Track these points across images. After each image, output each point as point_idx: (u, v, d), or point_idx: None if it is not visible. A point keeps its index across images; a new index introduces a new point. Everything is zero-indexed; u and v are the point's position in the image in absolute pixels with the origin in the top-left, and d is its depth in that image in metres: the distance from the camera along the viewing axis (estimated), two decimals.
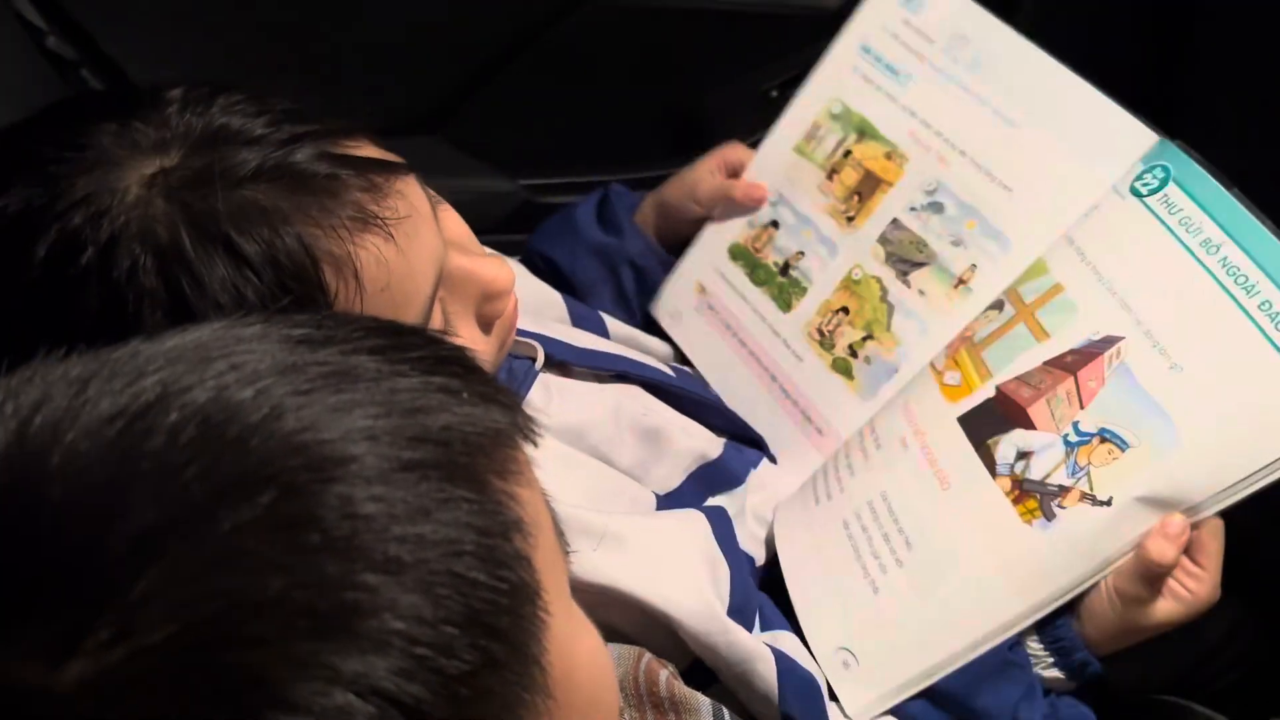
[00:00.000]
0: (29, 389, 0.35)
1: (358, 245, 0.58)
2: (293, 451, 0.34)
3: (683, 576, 0.73)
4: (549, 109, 0.97)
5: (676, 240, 1.02)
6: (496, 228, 1.05)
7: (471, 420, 0.38)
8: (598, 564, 0.70)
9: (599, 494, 0.77)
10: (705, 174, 0.99)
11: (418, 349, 0.40)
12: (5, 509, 0.33)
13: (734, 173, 0.99)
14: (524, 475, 0.40)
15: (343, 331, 0.40)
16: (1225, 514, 0.68)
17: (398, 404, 0.37)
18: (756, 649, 0.72)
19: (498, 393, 0.40)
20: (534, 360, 0.82)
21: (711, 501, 0.85)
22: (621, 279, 1.01)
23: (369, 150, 0.62)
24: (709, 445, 0.87)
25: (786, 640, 0.77)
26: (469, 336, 0.67)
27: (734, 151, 0.99)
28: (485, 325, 0.71)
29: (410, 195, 0.62)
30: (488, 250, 0.74)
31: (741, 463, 0.89)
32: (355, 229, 0.58)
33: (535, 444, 0.42)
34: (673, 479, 0.84)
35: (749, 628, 0.74)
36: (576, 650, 0.42)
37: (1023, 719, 0.73)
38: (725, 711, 0.67)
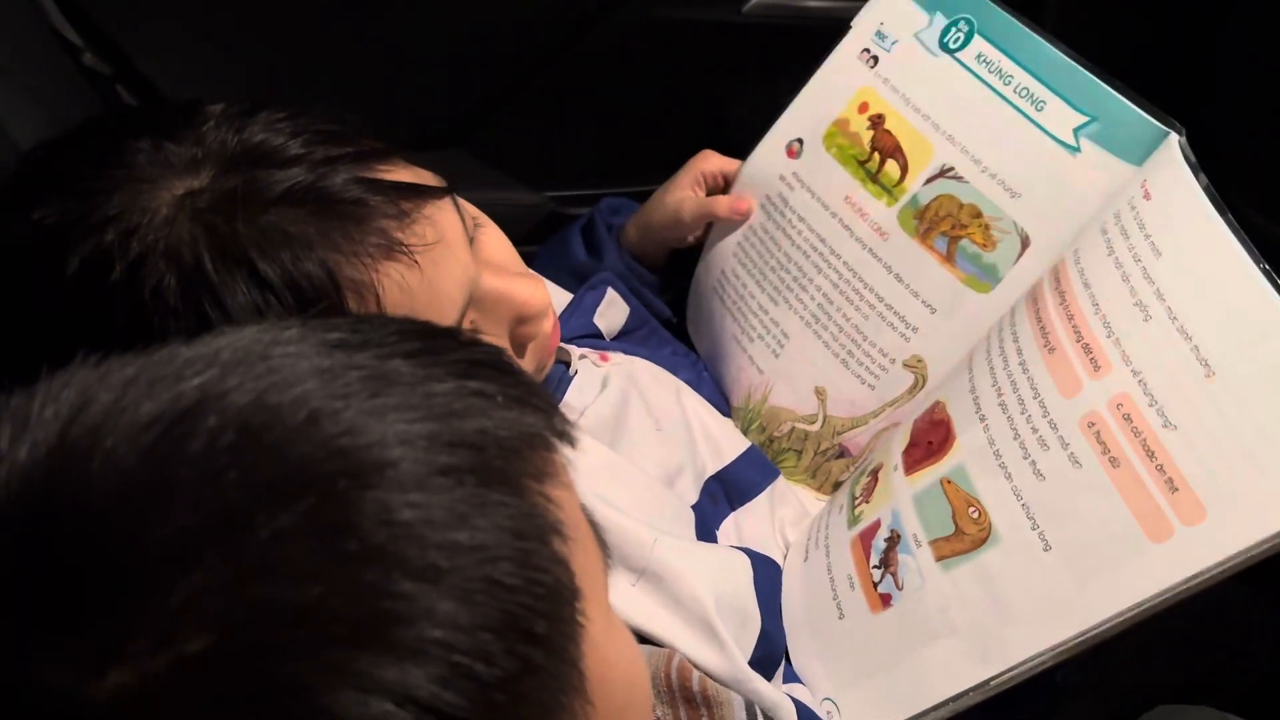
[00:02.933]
0: (69, 393, 0.35)
1: (381, 273, 0.58)
2: (330, 456, 0.34)
3: (707, 634, 0.71)
4: (575, 121, 0.98)
5: (664, 257, 1.02)
6: (523, 240, 1.05)
7: (507, 424, 0.38)
8: (631, 601, 0.70)
9: (644, 503, 0.77)
10: (687, 193, 0.98)
11: (453, 351, 0.40)
12: (46, 513, 0.32)
13: (715, 184, 0.98)
14: (560, 478, 0.40)
15: (378, 335, 0.39)
16: None
17: (434, 408, 0.37)
18: (778, 699, 0.71)
19: (533, 395, 0.40)
20: (568, 365, 0.83)
21: (733, 516, 0.84)
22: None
23: (403, 173, 0.62)
24: (727, 444, 0.87)
25: (801, 690, 0.77)
26: None
27: (708, 162, 0.98)
28: (520, 347, 0.71)
29: (440, 220, 0.62)
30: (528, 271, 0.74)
31: (760, 472, 0.88)
32: (379, 256, 0.58)
33: (573, 445, 0.41)
34: (691, 493, 0.84)
35: (769, 677, 0.74)
36: (612, 653, 0.41)
37: None
38: (758, 710, 0.66)
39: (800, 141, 0.91)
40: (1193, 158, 0.72)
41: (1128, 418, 0.66)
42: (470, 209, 0.70)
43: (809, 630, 0.79)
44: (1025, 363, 0.72)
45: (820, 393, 0.91)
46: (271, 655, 0.31)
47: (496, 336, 0.69)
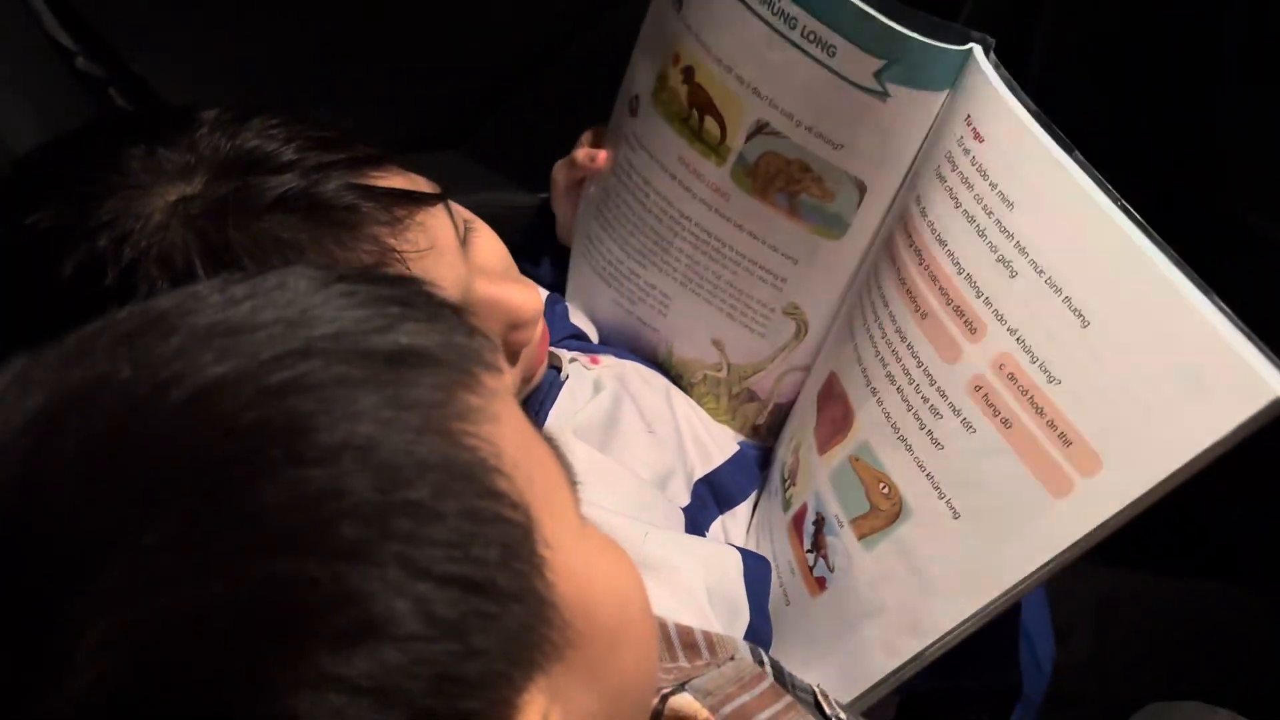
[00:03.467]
0: None
1: None
2: (219, 439, 0.33)
3: (701, 622, 0.70)
4: (569, 123, 0.97)
5: None
6: (518, 241, 1.05)
7: (428, 370, 0.37)
8: None
9: (634, 506, 0.76)
10: (556, 173, 0.96)
11: (370, 289, 0.38)
12: None
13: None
14: (487, 411, 0.37)
15: (288, 286, 0.38)
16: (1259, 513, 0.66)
17: (342, 358, 0.35)
18: None
19: (454, 330, 0.39)
20: (559, 369, 0.82)
21: (721, 519, 0.84)
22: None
23: (396, 179, 0.62)
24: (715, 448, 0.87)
25: None
26: None
27: (587, 134, 0.96)
28: (511, 354, 0.71)
29: (433, 227, 0.63)
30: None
31: (747, 477, 0.88)
32: (372, 262, 0.59)
33: (500, 373, 0.40)
34: (682, 495, 0.83)
35: None
36: (591, 571, 0.40)
37: None
38: (763, 652, 0.66)
39: (636, 98, 0.87)
40: (1005, 72, 0.69)
41: (1012, 377, 0.65)
42: (463, 213, 0.70)
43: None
44: (901, 330, 0.71)
45: (718, 343, 0.90)
46: (186, 671, 0.30)
47: None
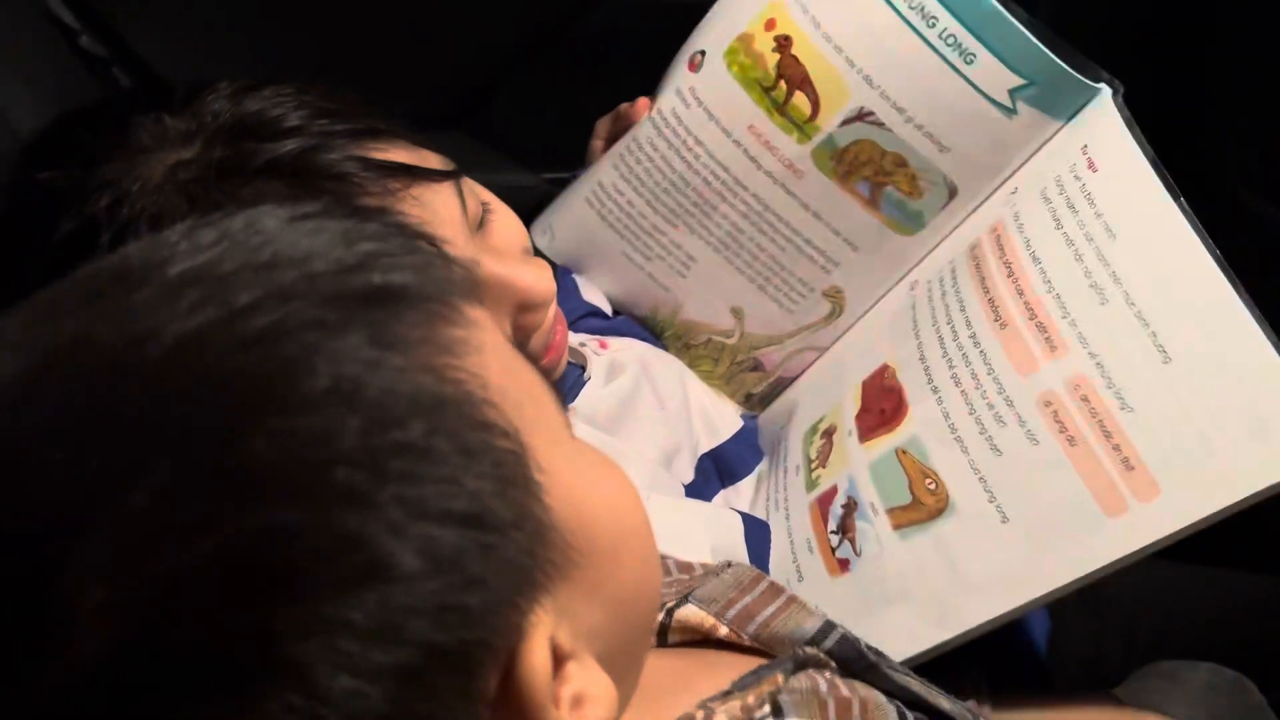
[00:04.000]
0: None
1: None
2: (201, 390, 0.33)
3: (688, 540, 0.73)
4: (572, 103, 0.96)
5: None
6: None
7: (408, 300, 0.37)
8: None
9: (642, 487, 0.77)
10: (598, 128, 0.95)
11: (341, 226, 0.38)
12: None
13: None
14: (470, 342, 0.38)
15: (263, 227, 0.38)
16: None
17: (321, 300, 0.35)
18: None
19: (432, 261, 0.39)
20: (583, 368, 0.82)
21: (723, 493, 0.86)
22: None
23: (401, 154, 0.62)
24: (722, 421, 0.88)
25: None
26: None
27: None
28: (522, 337, 0.70)
29: (431, 202, 0.62)
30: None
31: (751, 451, 0.89)
32: None
33: (481, 302, 0.40)
34: (687, 471, 0.84)
35: None
36: (589, 491, 0.41)
37: None
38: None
39: (703, 54, 0.85)
40: (1128, 114, 0.73)
41: (1085, 399, 0.68)
42: (483, 194, 0.70)
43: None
44: (976, 336, 0.74)
45: (737, 312, 0.90)
46: (189, 630, 0.30)
47: (498, 324, 0.67)
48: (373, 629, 0.31)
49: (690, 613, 0.58)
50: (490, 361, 0.38)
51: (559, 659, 0.37)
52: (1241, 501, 0.64)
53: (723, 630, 0.58)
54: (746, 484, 0.89)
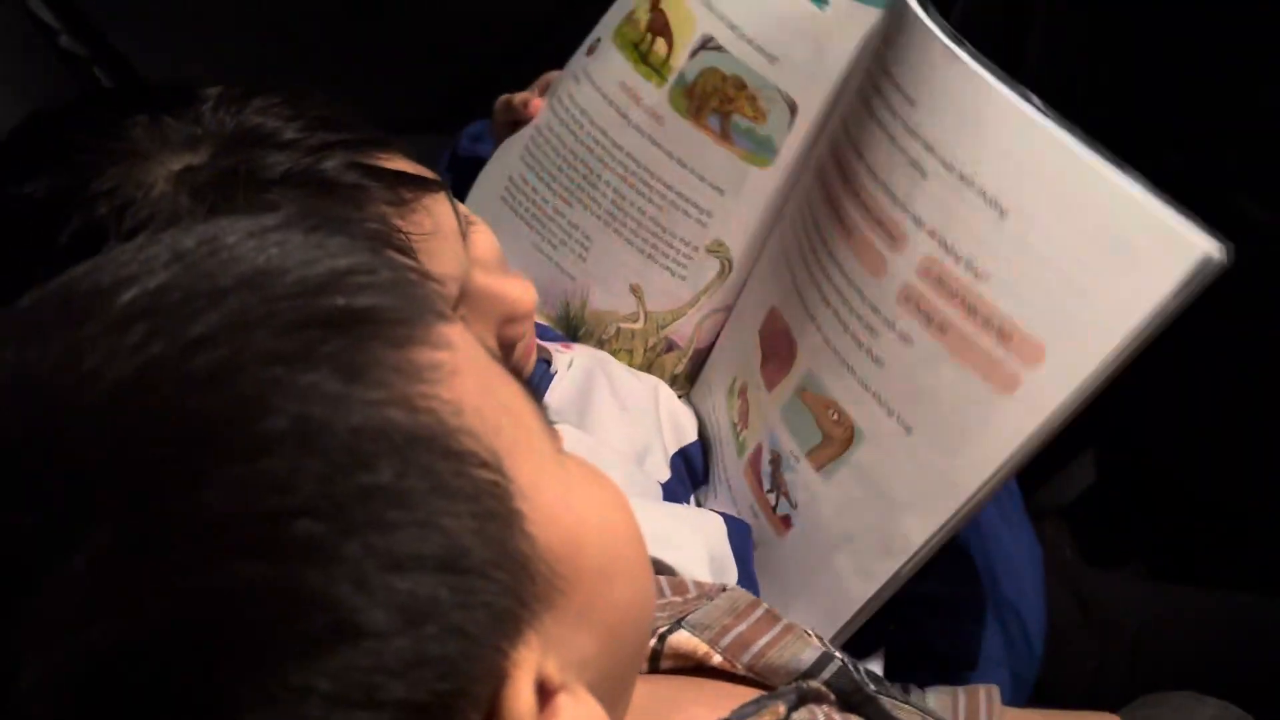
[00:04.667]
0: None
1: None
2: (146, 439, 0.30)
3: (690, 548, 0.71)
4: None
5: None
6: None
7: (381, 334, 0.34)
8: None
9: (620, 482, 0.76)
10: (499, 109, 0.95)
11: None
12: None
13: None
14: (444, 366, 0.34)
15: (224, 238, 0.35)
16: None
17: (284, 329, 0.33)
18: None
19: (393, 286, 0.36)
20: (549, 362, 0.82)
21: (694, 495, 0.84)
22: None
23: (401, 163, 0.61)
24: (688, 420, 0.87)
25: None
26: None
27: (543, 78, 0.95)
28: (507, 347, 0.71)
29: (437, 212, 0.62)
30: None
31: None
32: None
33: (453, 322, 0.37)
34: (662, 469, 0.82)
35: None
36: (575, 512, 0.38)
37: None
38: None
39: (599, 40, 0.88)
40: None
41: (939, 280, 0.63)
42: (462, 207, 0.70)
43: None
44: (832, 252, 0.70)
45: (636, 290, 0.89)
46: (138, 704, 0.28)
47: (484, 334, 0.68)
48: (341, 693, 0.29)
49: (683, 639, 0.56)
50: (467, 385, 0.35)
51: (549, 692, 0.34)
52: (1131, 339, 0.58)
53: (716, 659, 0.56)
54: (710, 487, 0.87)
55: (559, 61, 0.94)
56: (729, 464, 0.81)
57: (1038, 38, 0.79)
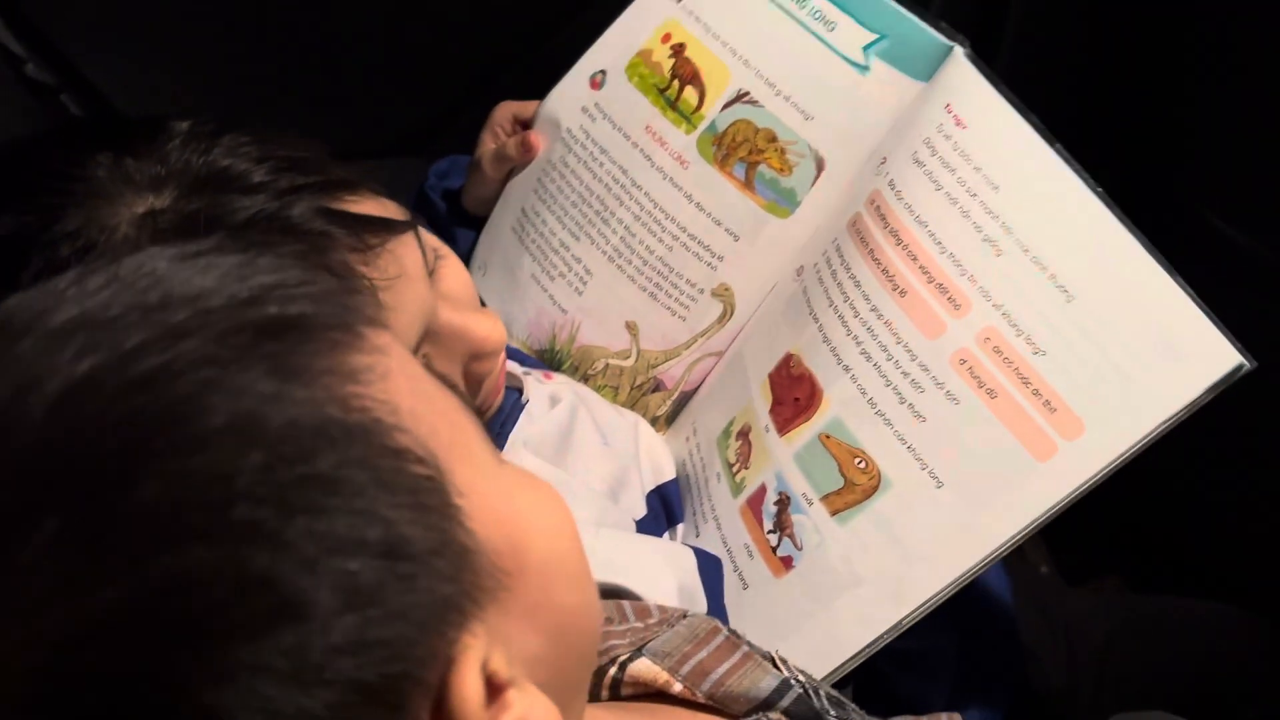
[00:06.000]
0: None
1: None
2: (87, 440, 0.31)
3: (658, 578, 0.72)
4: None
5: None
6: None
7: (314, 335, 0.36)
8: None
9: (591, 519, 0.77)
10: (486, 146, 0.96)
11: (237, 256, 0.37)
12: None
13: (512, 129, 0.96)
14: (376, 369, 0.36)
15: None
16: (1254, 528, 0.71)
17: (215, 329, 0.34)
18: None
19: (321, 297, 0.37)
20: (520, 391, 0.81)
21: (667, 533, 0.85)
22: None
23: (369, 205, 0.61)
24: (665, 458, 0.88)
25: None
26: None
27: (501, 110, 0.96)
28: (474, 383, 0.71)
29: (402, 254, 0.62)
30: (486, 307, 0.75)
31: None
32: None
33: (386, 327, 0.39)
34: (638, 505, 0.83)
35: None
36: (515, 512, 0.40)
37: None
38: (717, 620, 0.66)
39: (604, 73, 0.90)
40: (985, 67, 0.76)
41: (997, 350, 0.70)
42: (432, 240, 0.69)
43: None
44: (877, 309, 0.75)
45: (632, 327, 0.91)
46: (91, 689, 0.29)
47: (450, 370, 0.68)
48: (292, 671, 0.30)
49: (644, 667, 0.56)
50: (399, 386, 0.36)
51: (497, 686, 0.35)
52: (1163, 425, 0.66)
53: (677, 686, 0.57)
54: (688, 524, 0.88)
55: (531, 83, 0.96)
56: (720, 503, 0.83)
57: (1007, 49, 0.86)
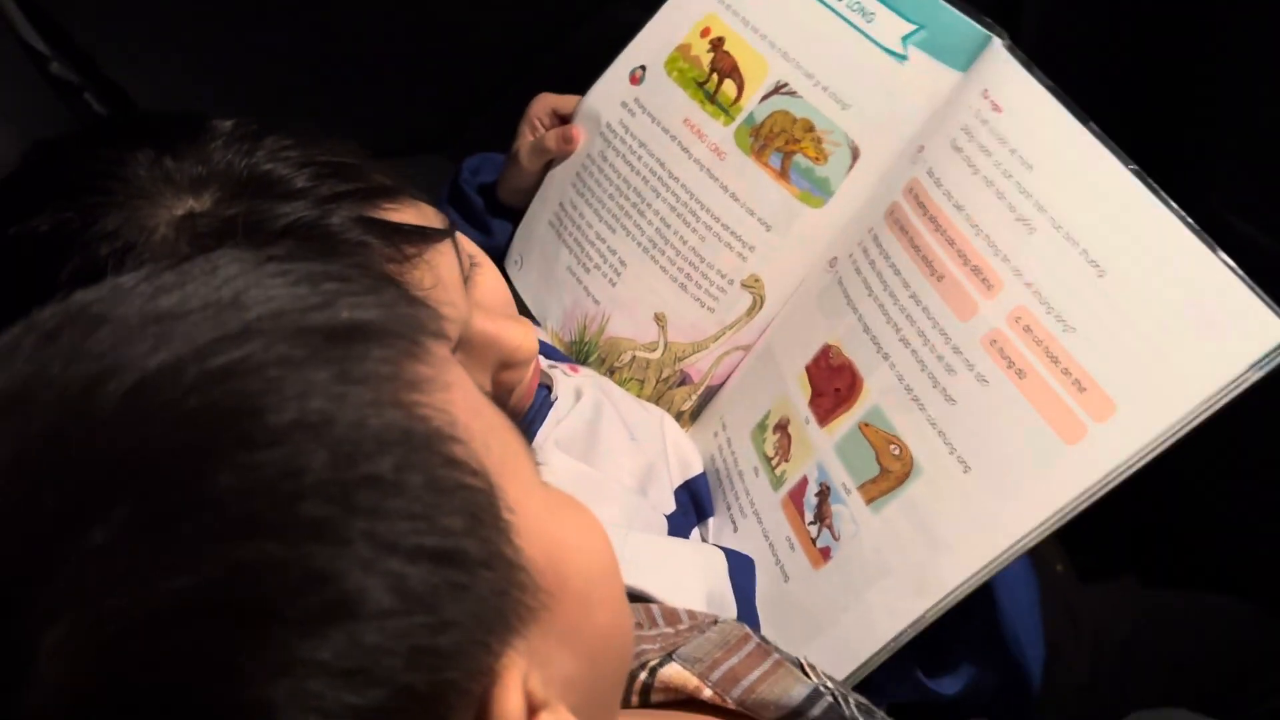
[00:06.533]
0: None
1: None
2: (161, 429, 0.32)
3: (685, 584, 0.72)
4: None
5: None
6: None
7: (378, 341, 0.37)
8: None
9: (624, 515, 0.77)
10: (524, 139, 0.98)
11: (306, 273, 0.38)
12: None
13: (551, 123, 0.99)
14: (438, 380, 0.37)
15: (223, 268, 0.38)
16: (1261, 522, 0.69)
17: (285, 338, 0.35)
18: None
19: (400, 299, 0.39)
20: (550, 389, 0.82)
21: (698, 528, 0.85)
22: None
23: (408, 213, 0.62)
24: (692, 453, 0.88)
25: None
26: None
27: (540, 103, 0.98)
28: (503, 392, 0.71)
29: (438, 264, 0.63)
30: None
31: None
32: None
33: (450, 341, 0.41)
34: (667, 501, 0.83)
35: None
36: (559, 534, 0.40)
37: None
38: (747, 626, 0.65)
39: (643, 68, 0.93)
40: (1023, 56, 0.76)
41: (1027, 329, 0.68)
42: (469, 247, 0.70)
43: (758, 600, 0.79)
44: (916, 295, 0.74)
45: (660, 319, 0.92)
46: (151, 670, 0.30)
47: (480, 378, 0.68)
48: (343, 669, 0.31)
49: (674, 672, 0.56)
50: (458, 399, 0.38)
51: (532, 707, 0.36)
52: (1200, 407, 0.62)
53: (707, 692, 0.56)
54: (722, 518, 0.88)
55: (552, 81, 0.98)
56: (759, 497, 0.83)
57: (1025, 44, 0.83)
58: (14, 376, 0.34)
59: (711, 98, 0.89)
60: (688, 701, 0.56)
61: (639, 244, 0.92)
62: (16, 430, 0.32)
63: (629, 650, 0.45)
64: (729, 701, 0.56)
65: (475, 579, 0.34)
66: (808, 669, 0.63)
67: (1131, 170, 0.67)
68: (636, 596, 0.69)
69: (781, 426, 0.82)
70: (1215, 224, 0.67)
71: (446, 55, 1.10)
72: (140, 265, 0.52)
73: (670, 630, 0.62)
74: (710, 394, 0.92)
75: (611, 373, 0.93)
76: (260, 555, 0.31)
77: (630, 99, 0.93)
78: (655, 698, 0.56)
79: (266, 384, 0.33)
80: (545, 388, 0.84)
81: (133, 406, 0.32)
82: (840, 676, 0.73)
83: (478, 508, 0.35)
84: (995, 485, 0.68)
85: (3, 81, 0.96)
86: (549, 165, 0.98)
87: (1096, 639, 0.87)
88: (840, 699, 0.57)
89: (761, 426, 0.84)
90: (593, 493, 0.75)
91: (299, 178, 0.58)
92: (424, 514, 0.33)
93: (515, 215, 1.02)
